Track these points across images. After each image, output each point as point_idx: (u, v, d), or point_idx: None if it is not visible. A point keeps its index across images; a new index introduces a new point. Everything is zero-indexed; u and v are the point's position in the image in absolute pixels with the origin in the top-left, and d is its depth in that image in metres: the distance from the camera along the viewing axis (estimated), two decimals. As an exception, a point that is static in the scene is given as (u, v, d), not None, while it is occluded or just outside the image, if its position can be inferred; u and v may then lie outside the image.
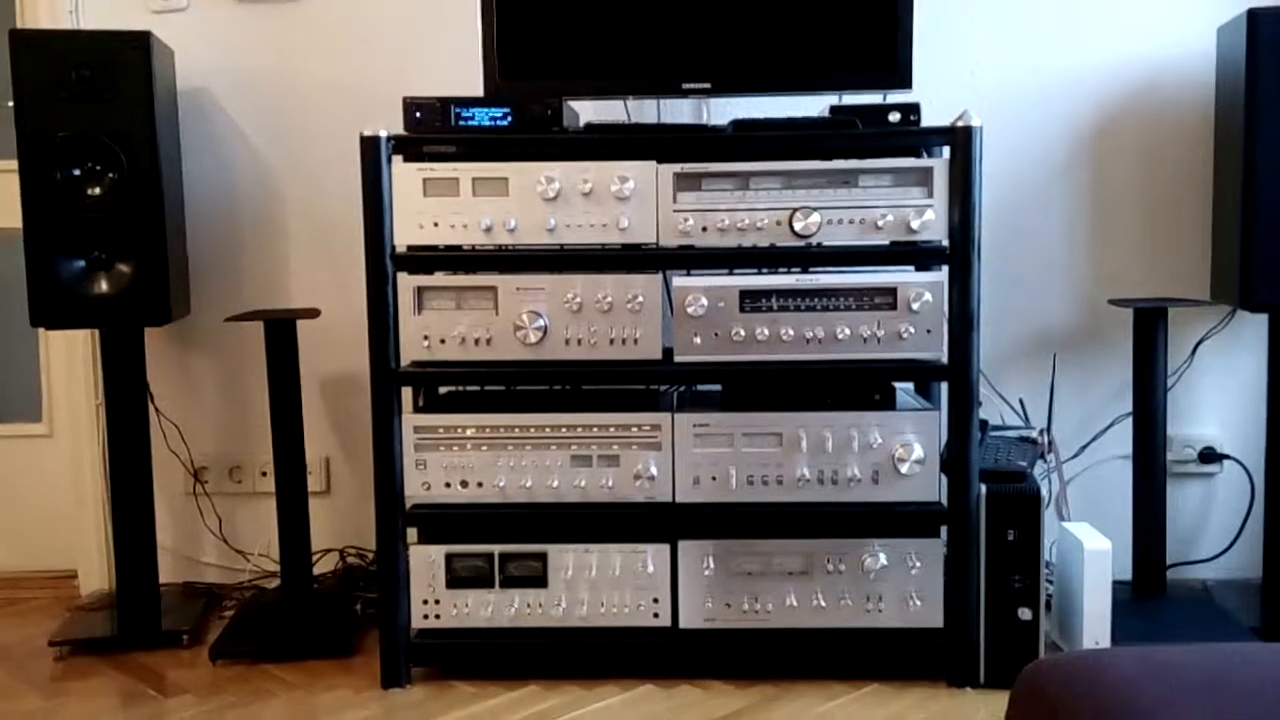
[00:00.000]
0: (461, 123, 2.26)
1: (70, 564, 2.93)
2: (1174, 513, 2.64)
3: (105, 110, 2.42)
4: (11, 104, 2.42)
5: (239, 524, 2.90)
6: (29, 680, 2.39)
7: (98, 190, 2.45)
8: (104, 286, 2.47)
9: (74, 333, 2.80)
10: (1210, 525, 2.78)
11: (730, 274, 2.29)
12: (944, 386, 2.29)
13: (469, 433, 2.26)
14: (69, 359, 2.85)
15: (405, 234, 2.24)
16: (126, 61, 2.42)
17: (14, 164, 2.43)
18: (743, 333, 2.22)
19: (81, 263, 2.46)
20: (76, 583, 2.91)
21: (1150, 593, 2.53)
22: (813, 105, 2.47)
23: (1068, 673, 1.19)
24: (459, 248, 2.29)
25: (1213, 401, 2.76)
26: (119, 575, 2.65)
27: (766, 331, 2.21)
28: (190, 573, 2.89)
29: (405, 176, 2.23)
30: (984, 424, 2.37)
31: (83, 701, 2.28)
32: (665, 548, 2.27)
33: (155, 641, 2.53)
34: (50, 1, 2.75)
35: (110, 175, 2.45)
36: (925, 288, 2.20)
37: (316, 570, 2.72)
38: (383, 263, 2.23)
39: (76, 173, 2.44)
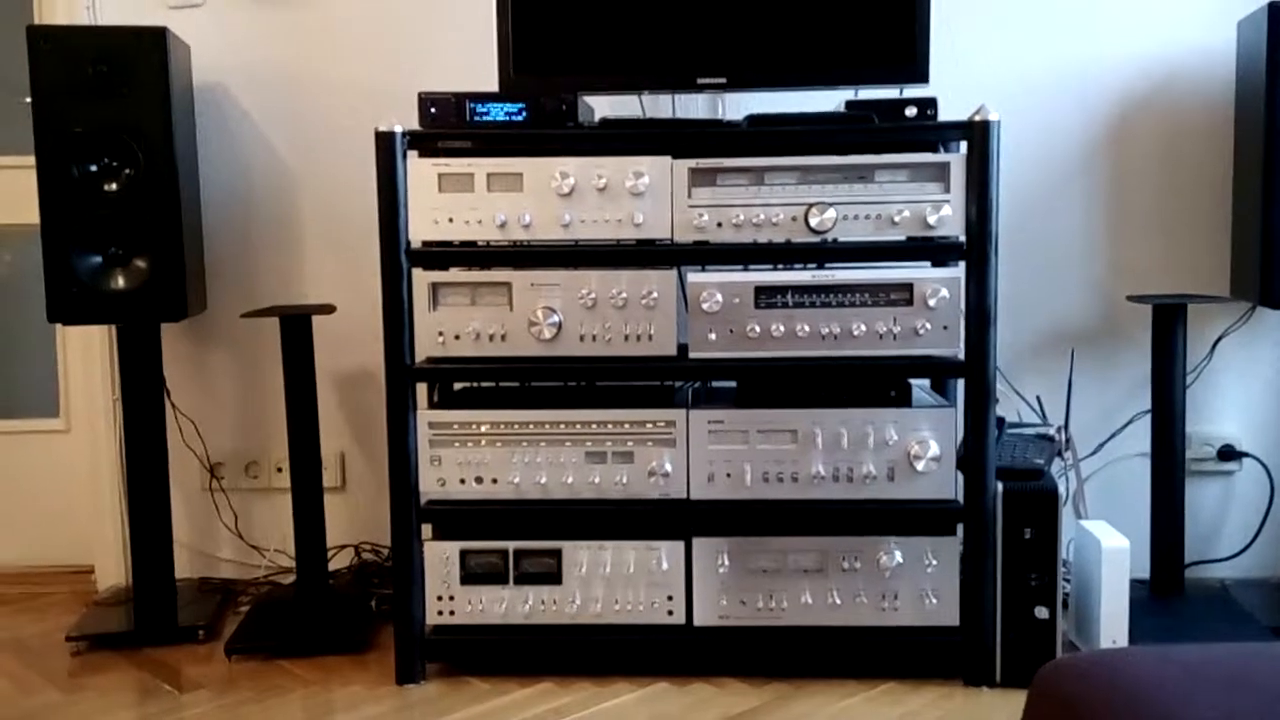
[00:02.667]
0: (476, 118, 2.25)
1: (87, 559, 2.95)
2: (1193, 511, 2.62)
3: (122, 106, 2.43)
4: (29, 100, 2.42)
5: (255, 520, 2.90)
6: (46, 675, 2.40)
7: (114, 186, 2.46)
8: (121, 282, 2.48)
9: (91, 328, 2.81)
10: (1229, 524, 2.76)
11: (745, 270, 2.28)
12: (960, 383, 2.27)
13: (483, 429, 2.26)
14: (86, 354, 2.86)
15: (420, 229, 2.24)
16: (143, 57, 2.43)
17: (31, 159, 2.44)
18: (758, 329, 2.21)
19: (98, 258, 2.47)
20: (93, 578, 2.93)
21: (1168, 591, 2.51)
22: (828, 100, 2.46)
23: (1086, 672, 1.18)
24: (474, 243, 2.29)
25: (1232, 399, 2.74)
26: (135, 570, 2.67)
27: (782, 328, 2.20)
28: (206, 568, 2.90)
29: (420, 172, 2.23)
30: (1001, 421, 2.36)
31: (99, 696, 2.29)
32: (680, 545, 2.26)
33: (171, 637, 2.54)
34: (67, -2, 2.76)
35: (127, 171, 2.46)
36: (942, 284, 2.19)
37: (332, 566, 2.73)
38: (398, 258, 2.23)
39: (93, 168, 2.45)
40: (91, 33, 2.54)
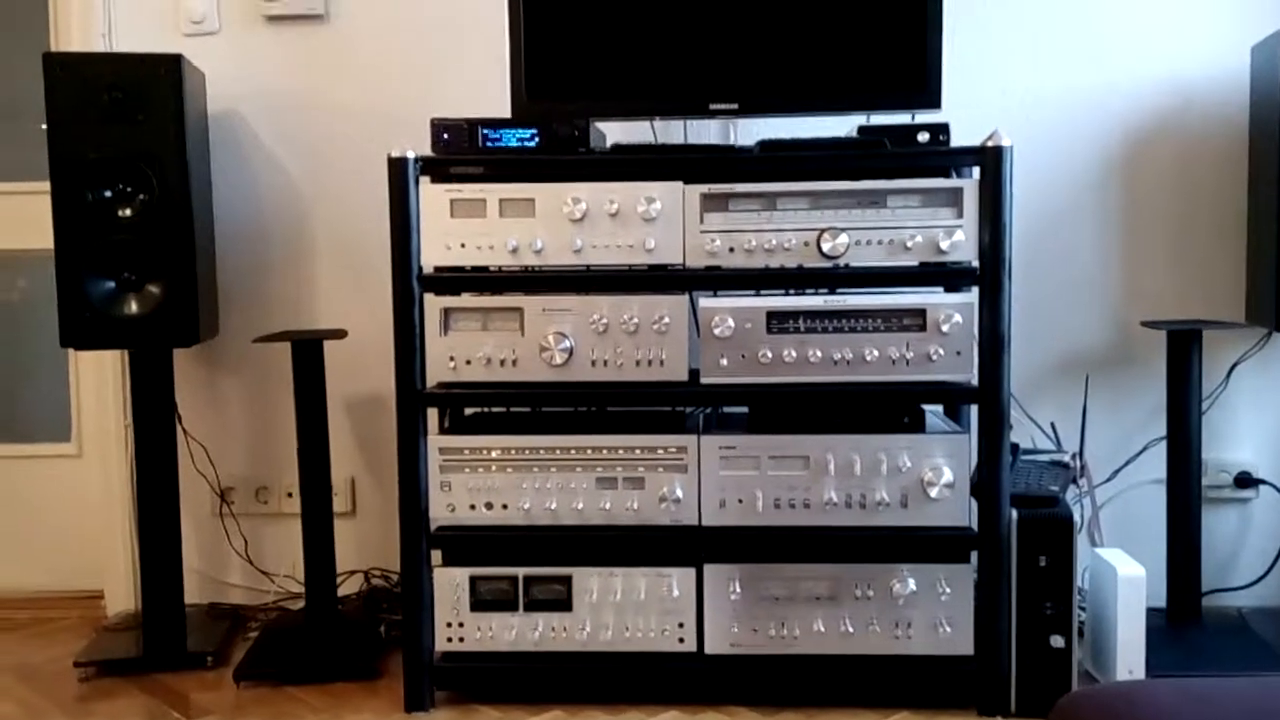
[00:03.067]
0: (489, 144, 2.26)
1: (97, 584, 2.94)
2: (1209, 538, 2.59)
3: (136, 132, 2.44)
4: (44, 126, 2.44)
5: (264, 545, 2.90)
6: (55, 700, 2.39)
7: (128, 212, 2.47)
8: (134, 307, 2.49)
9: (103, 353, 2.82)
10: (1246, 551, 2.73)
11: (757, 295, 2.27)
12: (974, 409, 2.26)
13: (494, 454, 2.25)
14: (98, 379, 2.87)
15: (432, 255, 2.24)
16: (158, 84, 2.45)
17: (46, 185, 2.45)
18: (770, 354, 2.20)
19: (111, 284, 2.48)
20: (103, 603, 2.92)
21: (1185, 620, 2.48)
22: (840, 126, 2.46)
23: (1105, 705, 1.16)
24: (485, 269, 2.29)
25: (1248, 425, 2.72)
26: (145, 596, 2.66)
27: (794, 353, 2.20)
28: (216, 594, 2.89)
29: (432, 197, 2.23)
30: (1015, 447, 2.34)
31: (107, 722, 2.29)
32: (691, 571, 2.25)
33: (180, 662, 2.53)
34: (83, 24, 2.78)
35: (141, 197, 2.47)
36: (955, 309, 2.18)
37: (341, 592, 2.72)
38: (409, 284, 2.23)
39: (108, 194, 2.46)
40: (107, 60, 2.56)
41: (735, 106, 2.34)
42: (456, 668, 2.30)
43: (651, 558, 2.26)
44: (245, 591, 2.89)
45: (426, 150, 2.26)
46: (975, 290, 2.19)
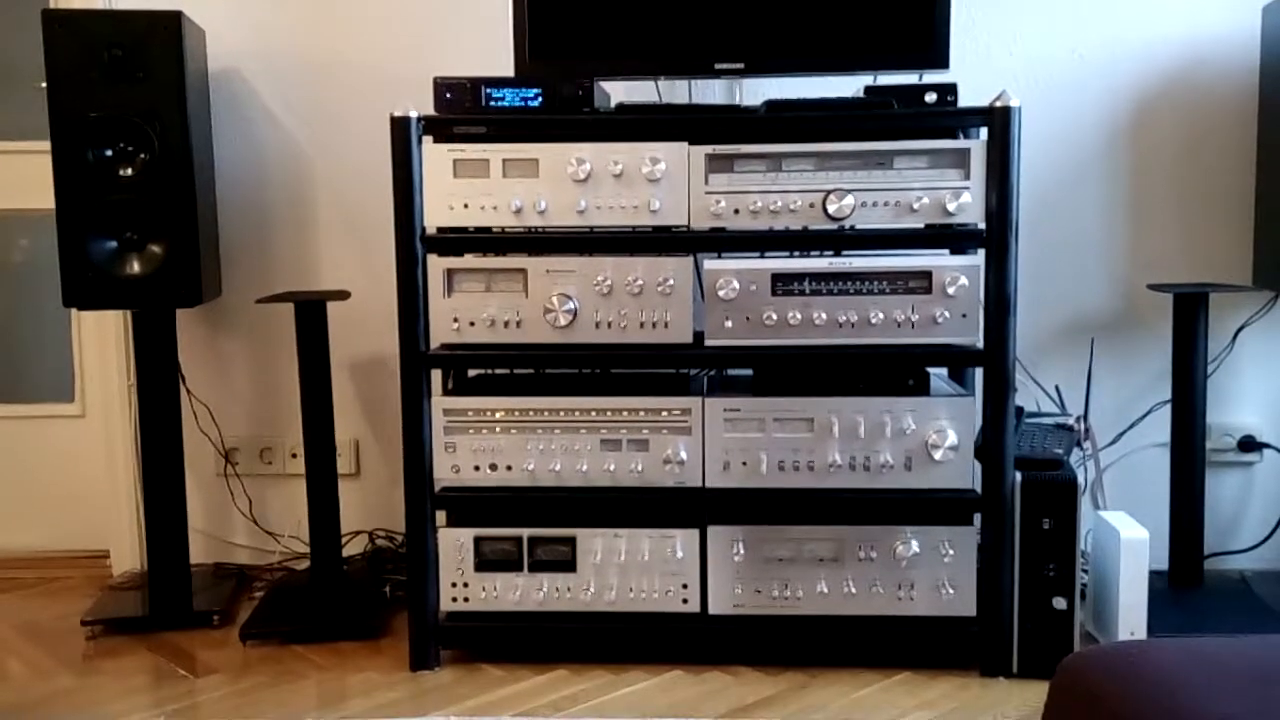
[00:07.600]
0: (492, 103, 2.24)
1: (102, 544, 2.96)
2: (1212, 502, 2.59)
3: (137, 91, 2.42)
4: (44, 85, 2.42)
5: (269, 505, 2.90)
6: (61, 659, 2.41)
7: (129, 171, 2.45)
8: (136, 267, 2.48)
9: (106, 313, 2.81)
10: (1249, 515, 2.74)
11: (762, 257, 2.26)
12: (979, 372, 2.26)
13: (498, 416, 2.25)
14: (101, 339, 2.87)
15: (435, 215, 2.23)
16: (158, 42, 2.42)
17: (47, 145, 2.43)
18: (774, 316, 2.19)
19: (113, 243, 2.47)
20: (108, 562, 2.94)
21: (1187, 583, 2.49)
22: (847, 86, 2.43)
23: (1110, 664, 1.17)
24: (489, 229, 2.28)
25: (1253, 389, 2.71)
26: (150, 555, 2.67)
27: (799, 315, 2.19)
28: (221, 553, 2.90)
29: (435, 157, 2.22)
30: (1019, 410, 2.34)
31: (114, 680, 2.30)
32: (695, 533, 2.25)
33: (186, 621, 2.55)
34: (82, -18, 2.75)
35: (142, 156, 2.45)
36: (961, 271, 2.17)
37: (346, 552, 2.73)
38: (412, 244, 2.22)
39: (108, 153, 2.44)
40: (107, 16, 2.53)
41: (741, 66, 2.32)
42: (461, 627, 2.31)
43: (655, 519, 2.27)
44: (250, 551, 2.90)
45: (429, 110, 2.24)
46: (981, 253, 2.18)
